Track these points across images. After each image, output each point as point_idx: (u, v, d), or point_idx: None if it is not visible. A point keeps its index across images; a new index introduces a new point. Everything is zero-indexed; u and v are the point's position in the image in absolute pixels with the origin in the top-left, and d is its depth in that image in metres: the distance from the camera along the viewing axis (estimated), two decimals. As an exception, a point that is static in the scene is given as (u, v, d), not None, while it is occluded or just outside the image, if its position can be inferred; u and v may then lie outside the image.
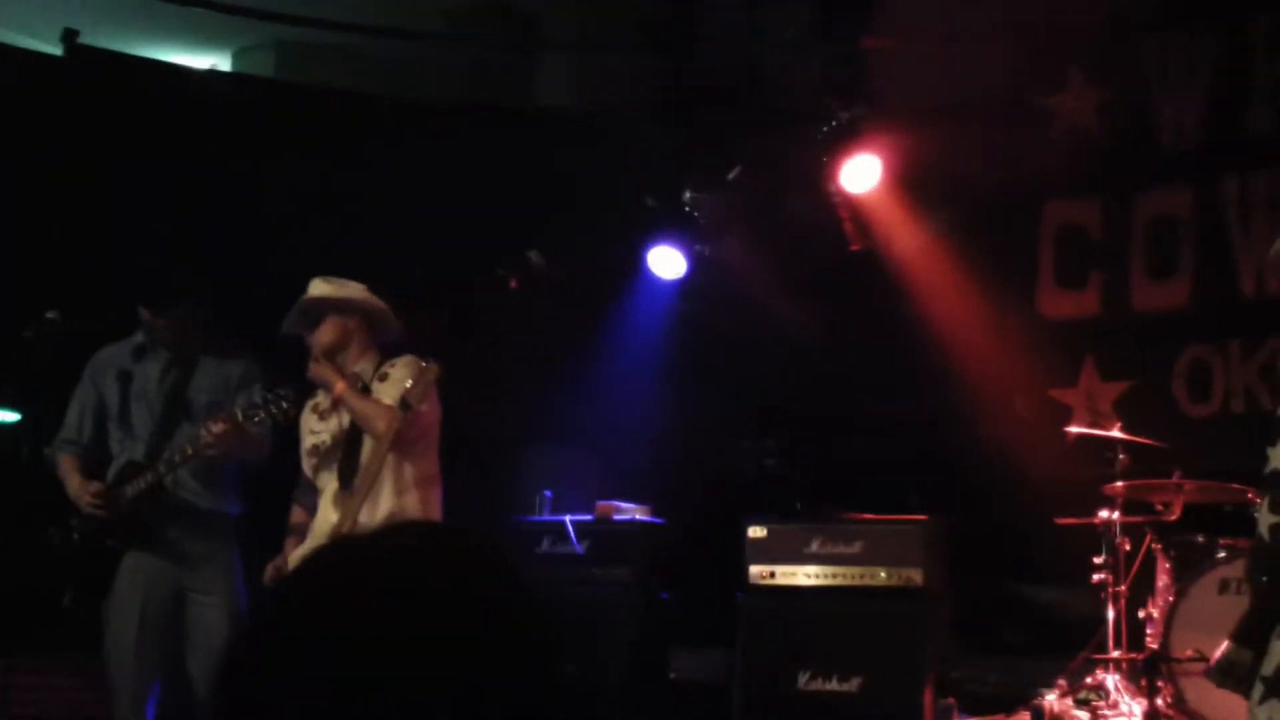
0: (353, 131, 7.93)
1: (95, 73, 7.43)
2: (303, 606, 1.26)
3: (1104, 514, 6.21)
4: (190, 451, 5.07)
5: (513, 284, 6.52)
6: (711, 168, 7.92)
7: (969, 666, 6.69)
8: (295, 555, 5.07)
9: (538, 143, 8.24)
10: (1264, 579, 3.64)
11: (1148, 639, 5.90)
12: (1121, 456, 6.24)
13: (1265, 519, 3.56)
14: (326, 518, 5.01)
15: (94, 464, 5.35)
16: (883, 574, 6.33)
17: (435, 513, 5.08)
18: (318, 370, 5.05)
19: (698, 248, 7.83)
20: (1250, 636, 3.68)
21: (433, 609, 1.23)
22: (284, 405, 4.90)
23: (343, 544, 1.37)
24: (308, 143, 7.72)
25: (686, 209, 7.80)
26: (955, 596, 6.56)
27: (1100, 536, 6.22)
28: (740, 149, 7.92)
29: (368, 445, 4.97)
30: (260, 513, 5.46)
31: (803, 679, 6.26)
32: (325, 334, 5.09)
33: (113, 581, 5.18)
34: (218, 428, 4.94)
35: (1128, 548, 6.17)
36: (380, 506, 4.94)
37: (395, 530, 1.34)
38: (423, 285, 7.56)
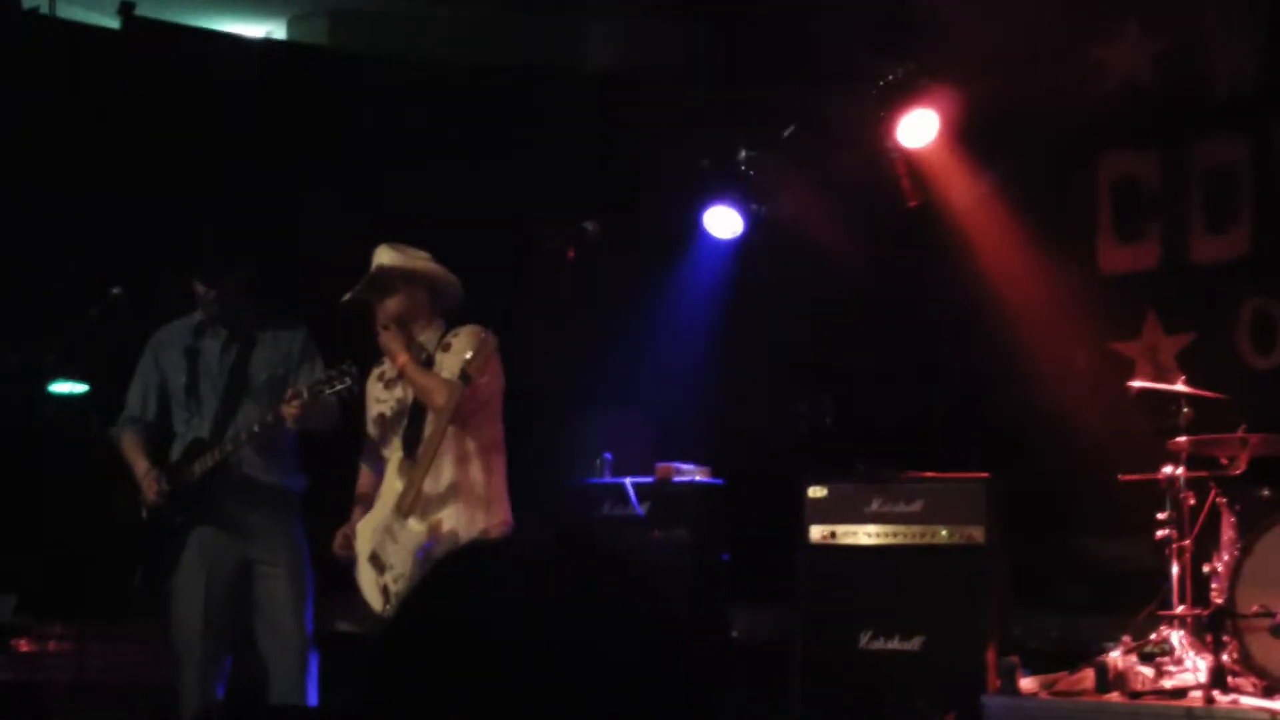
0: (406, 97, 7.95)
1: (152, 45, 7.48)
2: (439, 615, 1.28)
3: (1168, 469, 6.16)
4: (257, 429, 5.12)
5: (569, 254, 6.52)
6: (765, 127, 7.88)
7: (1031, 623, 6.68)
8: (363, 524, 5.14)
9: (590, 106, 8.24)
10: None
11: (1212, 594, 5.86)
12: (1185, 410, 6.18)
13: None
14: (392, 486, 5.08)
15: (157, 441, 5.42)
16: (944, 532, 6.32)
17: (499, 481, 5.13)
18: (385, 339, 5.10)
19: (753, 207, 7.81)
20: None
21: (564, 615, 1.25)
22: (348, 381, 4.95)
23: (476, 549, 1.38)
24: (361, 109, 7.76)
25: (741, 169, 7.78)
26: (1016, 553, 6.54)
27: (1164, 492, 6.18)
28: (793, 107, 7.87)
29: (431, 416, 5.02)
30: (319, 481, 5.52)
31: (864, 638, 6.27)
32: (393, 304, 5.14)
33: (179, 557, 5.24)
34: (293, 408, 4.99)
35: (1192, 502, 6.12)
36: (443, 476, 5.01)
37: (527, 536, 1.36)
38: (478, 251, 7.60)
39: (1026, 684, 5.92)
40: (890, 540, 6.41)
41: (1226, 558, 5.89)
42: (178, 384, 5.38)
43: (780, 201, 7.96)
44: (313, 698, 5.22)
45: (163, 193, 7.15)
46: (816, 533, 6.56)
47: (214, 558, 5.24)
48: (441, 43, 8.64)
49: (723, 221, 7.76)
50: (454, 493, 5.04)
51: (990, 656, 6.04)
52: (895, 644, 6.24)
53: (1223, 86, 7.33)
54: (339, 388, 4.98)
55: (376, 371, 5.29)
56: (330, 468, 5.52)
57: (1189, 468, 6.14)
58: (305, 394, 5.00)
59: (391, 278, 5.14)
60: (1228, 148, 7.32)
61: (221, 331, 5.38)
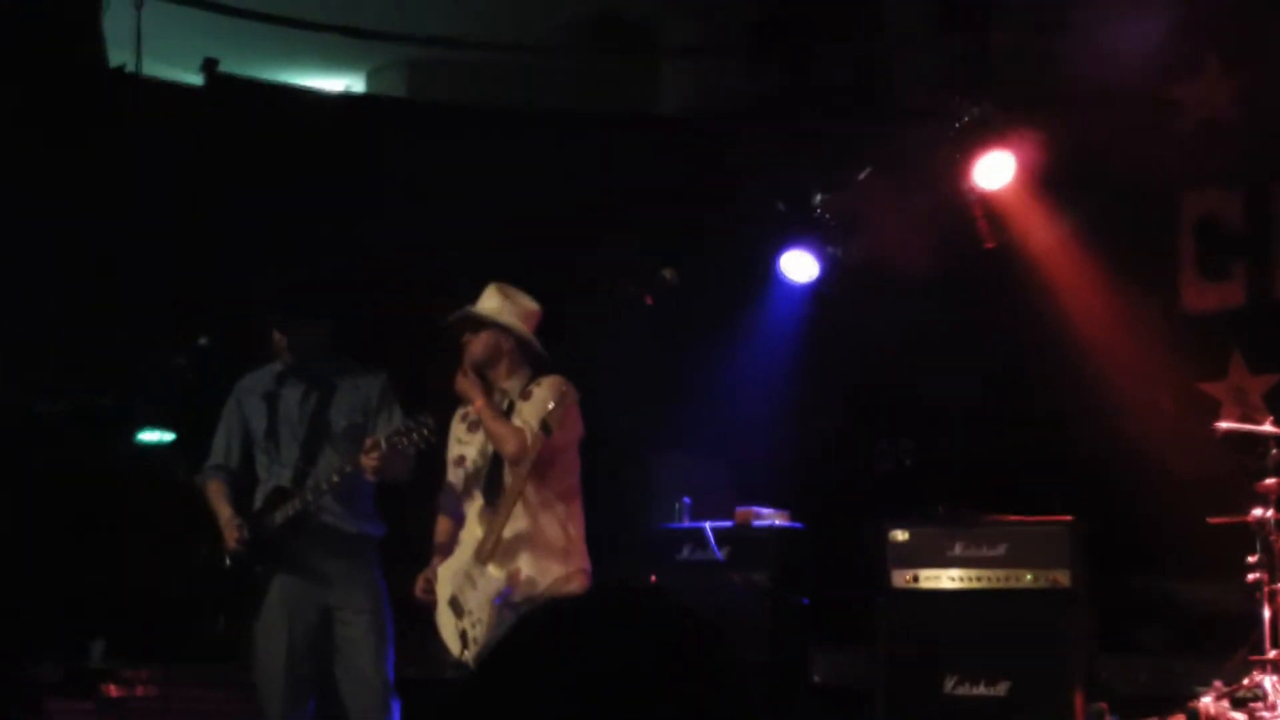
0: (483, 144, 8.04)
1: (235, 100, 7.63)
2: (518, 672, 1.31)
3: (1257, 511, 6.06)
4: (337, 480, 5.16)
5: (648, 300, 6.54)
6: (839, 169, 7.88)
7: (1119, 668, 6.58)
8: (443, 568, 5.16)
9: (665, 149, 8.28)
10: None
11: (1306, 639, 5.75)
12: (1274, 451, 6.09)
13: None
14: (472, 533, 5.10)
15: (241, 487, 5.48)
16: (1029, 576, 6.25)
17: (577, 529, 5.14)
18: (462, 383, 5.15)
19: (829, 250, 7.80)
20: None
21: (640, 673, 1.28)
22: (425, 432, 4.99)
23: (555, 608, 1.41)
24: (441, 157, 7.85)
25: (816, 211, 7.78)
26: (1103, 597, 6.45)
27: (1254, 534, 6.07)
28: (866, 149, 7.87)
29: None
30: (396, 525, 5.55)
31: (949, 683, 6.21)
32: (477, 347, 5.18)
33: (262, 604, 5.29)
34: (371, 459, 5.04)
35: (1282, 545, 6.01)
36: (521, 523, 5.03)
37: (605, 594, 1.38)
38: (557, 296, 7.65)
39: (1118, 730, 5.83)
40: (974, 584, 6.35)
41: (1321, 602, 5.77)
42: (259, 431, 5.43)
43: (856, 244, 7.94)
44: None
45: (246, 245, 7.27)
46: (899, 577, 6.51)
47: (295, 605, 5.28)
48: (517, 89, 8.73)
49: (799, 265, 7.76)
50: (531, 541, 5.03)
51: (1078, 702, 5.94)
52: (980, 689, 6.16)
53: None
54: (415, 439, 5.02)
55: (460, 412, 5.31)
56: (409, 513, 5.56)
57: (1278, 510, 6.04)
58: (383, 444, 5.04)
59: (481, 322, 5.19)
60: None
61: (302, 380, 5.43)
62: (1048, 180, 7.57)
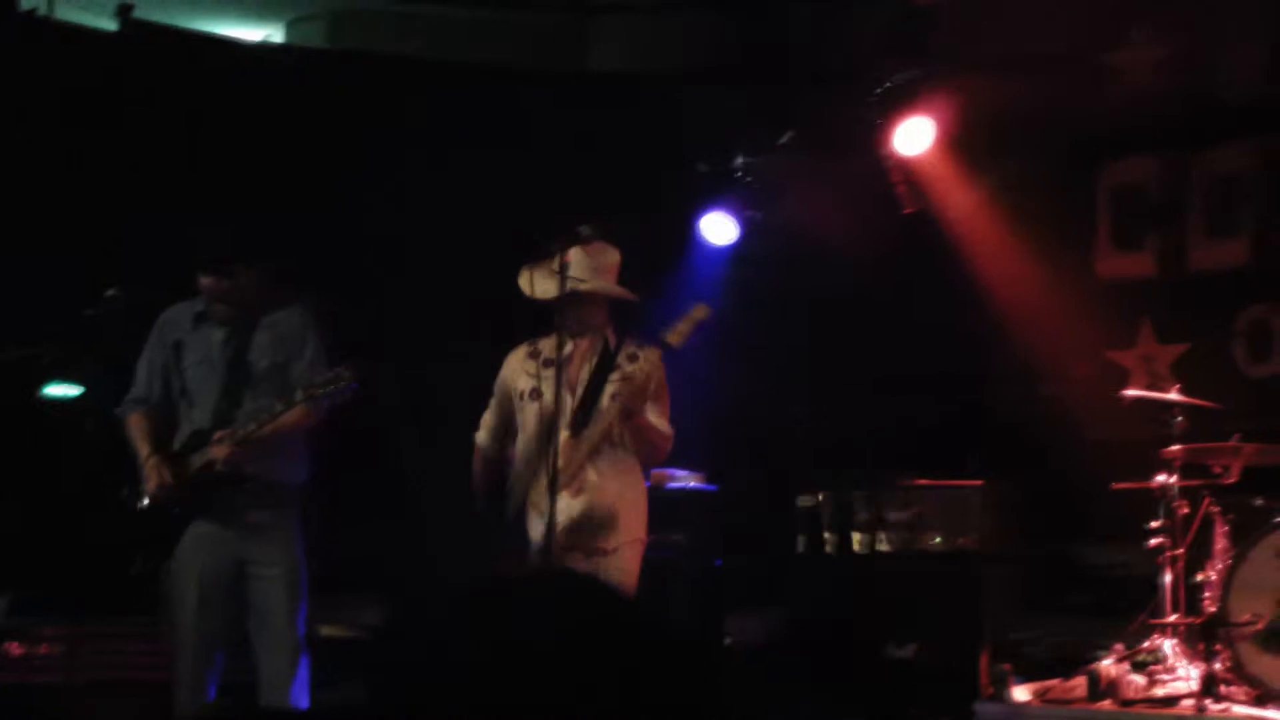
0: (404, 99, 7.95)
1: (150, 47, 7.48)
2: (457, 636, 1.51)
3: (1161, 477, 6.16)
4: (255, 427, 5.10)
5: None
6: (765, 132, 7.87)
7: (1027, 630, 6.67)
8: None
9: (590, 108, 8.22)
10: None
11: (1205, 603, 5.86)
12: (1179, 419, 6.18)
13: None
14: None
15: (163, 424, 5.35)
16: (938, 539, 6.32)
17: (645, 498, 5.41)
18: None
19: (750, 213, 7.80)
20: None
21: (559, 643, 1.50)
22: (342, 384, 4.95)
23: (493, 582, 1.64)
24: (361, 111, 7.76)
25: (738, 174, 7.77)
26: (1017, 560, 6.54)
27: (1158, 500, 6.17)
28: (794, 112, 7.86)
29: (606, 400, 5.17)
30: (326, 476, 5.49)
31: (857, 645, 6.28)
32: (593, 318, 5.32)
33: (175, 549, 5.22)
34: (223, 450, 5.06)
35: (1185, 511, 6.12)
36: (608, 471, 5.18)
37: (531, 576, 1.73)
38: (476, 252, 7.60)
39: (1021, 692, 5.91)
40: (885, 546, 6.42)
41: (1219, 567, 5.88)
42: (179, 370, 5.33)
43: (778, 208, 7.94)
44: (302, 701, 5.21)
45: (161, 194, 7.15)
46: (811, 540, 6.56)
47: (209, 554, 5.20)
48: (441, 44, 8.63)
49: (719, 227, 7.76)
50: (616, 494, 5.19)
51: (983, 664, 6.03)
52: (889, 650, 6.24)
53: (1229, 93, 7.31)
54: (332, 390, 4.97)
55: (528, 348, 5.39)
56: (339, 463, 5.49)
57: (1183, 476, 6.14)
58: (298, 397, 5.00)
59: (590, 296, 5.28)
60: (1233, 156, 7.30)
61: (222, 320, 5.33)
62: (967, 146, 7.62)
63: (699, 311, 4.99)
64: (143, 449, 5.28)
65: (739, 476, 7.29)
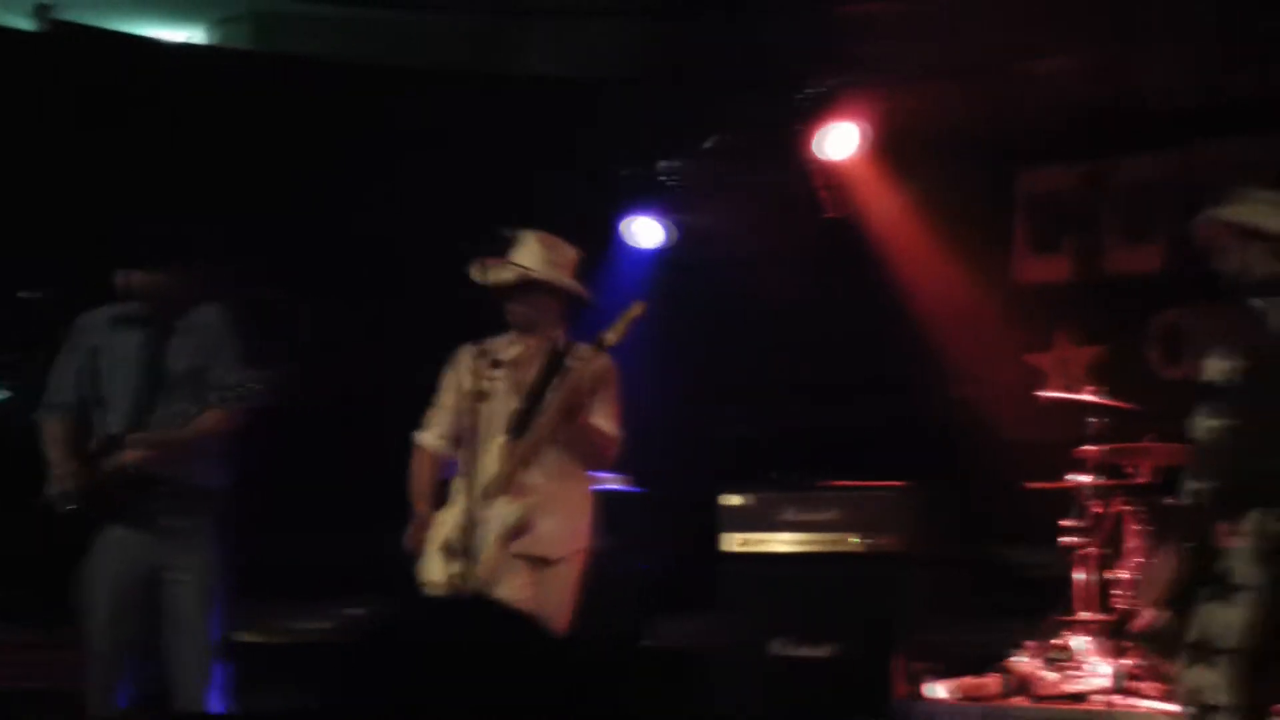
0: (331, 101, 7.92)
1: (69, 47, 7.41)
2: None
3: (1076, 477, 6.26)
4: (169, 431, 5.05)
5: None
6: (691, 136, 7.92)
7: (943, 631, 6.74)
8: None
9: (515, 111, 8.23)
10: (1188, 545, 3.71)
11: (1115, 600, 5.95)
12: (1094, 420, 6.29)
13: (1189, 484, 3.65)
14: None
15: (79, 429, 5.25)
16: (855, 540, 6.37)
17: (590, 505, 5.33)
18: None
19: (675, 217, 7.84)
20: (1175, 602, 3.76)
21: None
22: (256, 389, 4.92)
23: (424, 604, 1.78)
24: (286, 114, 7.72)
25: (661, 179, 7.81)
26: (929, 561, 6.60)
27: (1073, 500, 6.27)
28: (719, 117, 7.92)
29: (549, 402, 5.02)
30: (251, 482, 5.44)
31: (776, 645, 6.31)
32: (527, 310, 5.20)
33: (88, 554, 5.15)
34: (137, 455, 4.99)
35: (1099, 510, 6.21)
36: (548, 474, 5.04)
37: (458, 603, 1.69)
38: (405, 257, 7.59)
39: (937, 689, 5.97)
40: (804, 548, 6.46)
41: (1131, 565, 5.98)
42: (95, 374, 5.26)
43: (703, 212, 7.99)
44: (216, 707, 5.15)
45: (82, 197, 7.08)
46: (731, 541, 6.60)
47: (121, 563, 5.12)
48: (368, 46, 8.60)
49: (643, 231, 7.80)
50: (556, 498, 5.05)
51: (899, 664, 6.08)
52: (807, 650, 6.27)
53: (1147, 102, 7.43)
54: (245, 396, 4.94)
55: (476, 348, 5.21)
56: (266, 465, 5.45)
57: (1097, 476, 6.24)
58: (212, 402, 4.98)
59: (535, 283, 5.18)
60: (1150, 163, 7.42)
61: (139, 322, 5.27)
62: (890, 151, 7.70)
63: (635, 310, 4.96)
64: (55, 454, 5.18)
65: (664, 479, 7.31)
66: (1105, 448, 6.21)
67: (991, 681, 5.96)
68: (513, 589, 4.87)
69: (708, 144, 7.78)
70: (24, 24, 7.35)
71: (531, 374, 5.14)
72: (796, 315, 7.97)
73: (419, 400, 5.45)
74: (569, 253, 5.29)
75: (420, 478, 5.24)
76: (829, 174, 7.68)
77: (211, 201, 7.19)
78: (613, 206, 7.80)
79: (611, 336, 4.91)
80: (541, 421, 4.98)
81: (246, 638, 6.12)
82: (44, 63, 7.30)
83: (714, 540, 6.65)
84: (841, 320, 7.92)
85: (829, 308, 7.94)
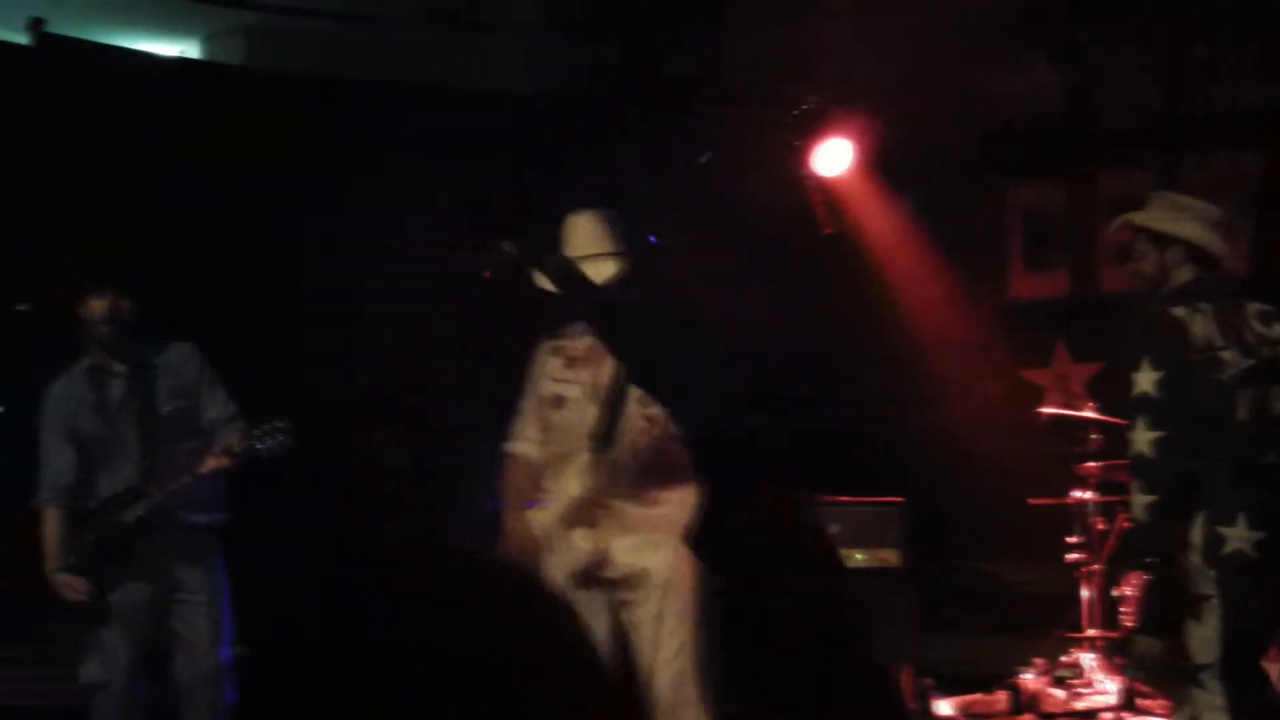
0: (322, 116, 7.89)
1: (63, 61, 7.35)
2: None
3: (1077, 493, 6.29)
4: (186, 478, 5.05)
5: (486, 275, 6.46)
6: (675, 152, 7.92)
7: (944, 646, 6.76)
8: (551, 513, 4.44)
9: (498, 127, 8.22)
10: (1152, 560, 3.71)
11: (1122, 618, 5.98)
12: (1094, 436, 6.32)
13: (1140, 500, 3.65)
14: (568, 488, 4.44)
15: (81, 505, 5.19)
16: (859, 555, 6.38)
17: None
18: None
19: (663, 232, 7.82)
20: (1154, 624, 3.76)
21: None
22: (280, 439, 4.94)
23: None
24: (278, 128, 7.68)
25: (652, 193, 7.80)
26: (927, 577, 6.62)
27: (1074, 516, 6.29)
28: (703, 134, 7.92)
29: (632, 402, 4.37)
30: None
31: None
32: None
33: (104, 602, 5.10)
34: (214, 463, 5.00)
35: (1101, 527, 6.24)
36: (629, 494, 4.43)
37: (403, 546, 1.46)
38: (391, 271, 7.56)
39: (944, 706, 5.99)
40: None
41: (1136, 581, 6.00)
42: (91, 434, 5.18)
43: (690, 228, 7.98)
44: None
45: (68, 212, 7.02)
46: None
47: (134, 590, 5.12)
48: (355, 60, 8.59)
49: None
50: (637, 520, 4.41)
51: (906, 678, 6.09)
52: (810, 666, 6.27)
53: (1125, 119, 7.49)
54: (270, 444, 4.97)
55: (551, 344, 4.66)
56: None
57: (1098, 492, 6.27)
58: (233, 448, 4.99)
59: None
60: (1130, 178, 7.47)
61: (119, 370, 5.20)
62: (883, 167, 7.73)
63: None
64: (52, 552, 5.11)
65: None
66: (1107, 464, 6.23)
67: (999, 699, 5.98)
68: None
69: (701, 159, 7.77)
70: (17, 37, 7.28)
71: (607, 373, 4.48)
72: (791, 331, 7.98)
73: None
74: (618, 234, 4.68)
75: (510, 489, 4.63)
76: (823, 190, 7.70)
77: (203, 215, 7.16)
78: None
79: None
80: (626, 433, 4.29)
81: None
82: (37, 76, 7.23)
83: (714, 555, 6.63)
84: (834, 336, 7.93)
85: (825, 322, 7.95)
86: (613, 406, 4.35)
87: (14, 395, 6.31)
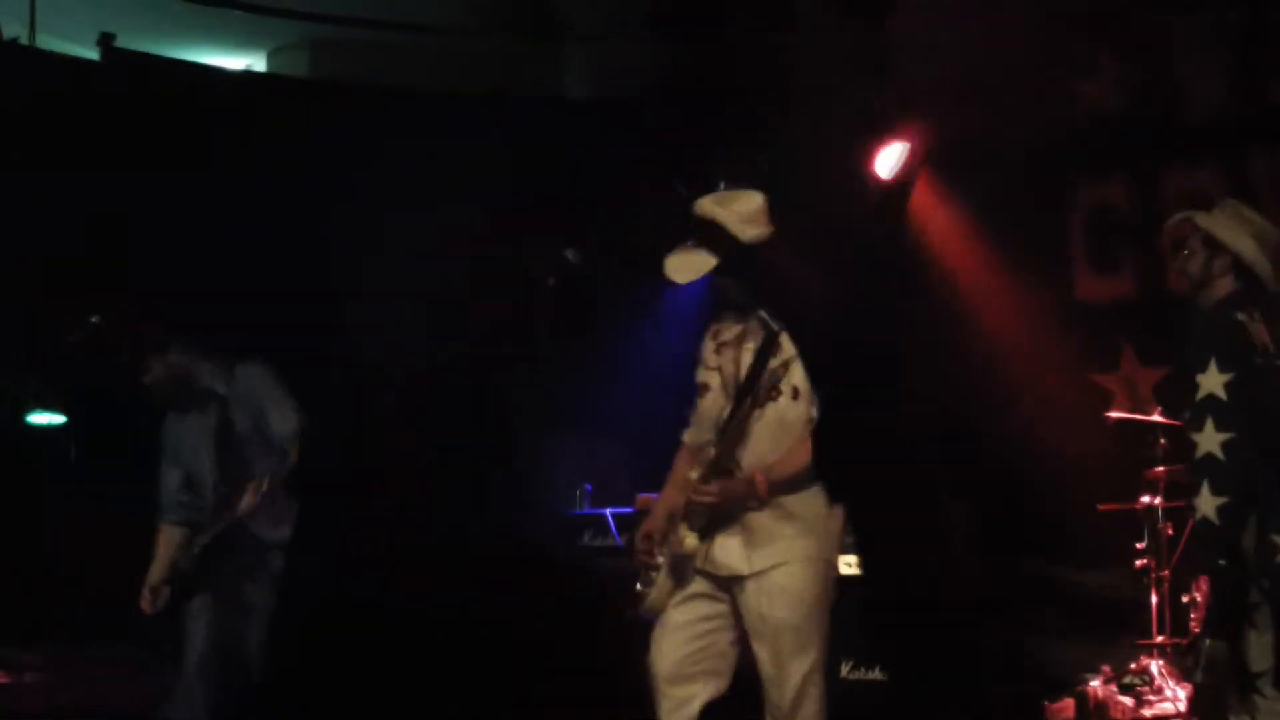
0: (387, 127, 7.97)
1: (132, 76, 7.48)
2: None
3: (1145, 499, 6.20)
4: (261, 492, 5.17)
5: (550, 282, 6.50)
6: (740, 154, 7.91)
7: (1008, 652, 6.69)
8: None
9: (566, 133, 8.26)
10: (1221, 562, 3.65)
11: (1191, 624, 5.89)
12: (1162, 441, 6.24)
13: (1208, 502, 3.58)
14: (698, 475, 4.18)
15: (196, 521, 5.36)
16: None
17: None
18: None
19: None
20: (1221, 628, 3.70)
21: None
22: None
23: None
24: (344, 139, 7.77)
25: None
26: (993, 581, 6.56)
27: (1142, 521, 6.21)
28: (768, 134, 7.91)
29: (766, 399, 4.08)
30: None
31: (845, 668, 6.28)
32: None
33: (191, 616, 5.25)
34: (250, 498, 5.16)
35: (1170, 532, 6.15)
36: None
37: None
38: (462, 279, 7.62)
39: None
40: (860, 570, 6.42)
41: (1204, 587, 5.90)
42: (186, 469, 5.37)
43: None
44: None
45: (140, 223, 7.14)
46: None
47: (216, 602, 5.25)
48: (419, 70, 8.66)
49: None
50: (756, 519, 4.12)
51: (970, 684, 6.04)
52: (877, 674, 6.23)
53: (1193, 114, 7.37)
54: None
55: (713, 329, 4.38)
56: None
57: (1166, 497, 6.18)
58: (264, 484, 5.11)
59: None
60: (1198, 175, 7.34)
61: (192, 400, 5.34)
62: (944, 169, 7.67)
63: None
64: (155, 567, 5.31)
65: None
66: (1175, 468, 6.15)
67: (1066, 706, 5.92)
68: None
69: (761, 160, 7.75)
70: (88, 53, 7.42)
71: (744, 362, 4.20)
72: (852, 331, 7.92)
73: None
74: (755, 201, 4.41)
75: (672, 472, 4.42)
76: (884, 190, 7.65)
77: (273, 228, 7.25)
78: (674, 226, 7.77)
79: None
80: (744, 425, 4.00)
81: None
82: (107, 92, 7.36)
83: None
84: (899, 336, 7.87)
85: (886, 323, 7.89)
86: (743, 399, 4.09)
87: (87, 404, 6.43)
